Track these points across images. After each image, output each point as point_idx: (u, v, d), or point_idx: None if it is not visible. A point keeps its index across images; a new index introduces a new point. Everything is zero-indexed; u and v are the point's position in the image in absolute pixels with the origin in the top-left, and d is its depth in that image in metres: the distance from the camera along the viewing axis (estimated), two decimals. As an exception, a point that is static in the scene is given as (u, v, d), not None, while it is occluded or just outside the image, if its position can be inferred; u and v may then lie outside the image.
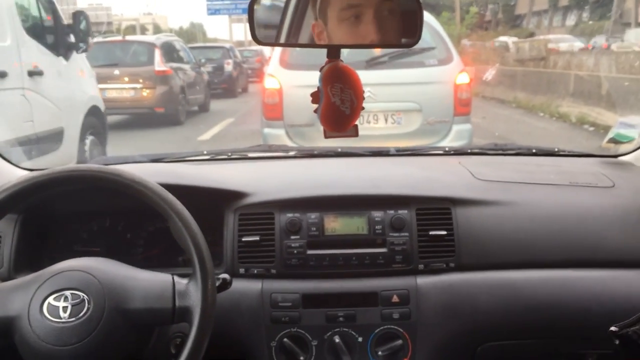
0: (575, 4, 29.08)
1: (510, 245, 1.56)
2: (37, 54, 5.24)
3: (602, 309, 1.48)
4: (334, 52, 0.97)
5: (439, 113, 5.31)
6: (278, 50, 5.60)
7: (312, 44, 1.01)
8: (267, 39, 1.01)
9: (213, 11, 26.90)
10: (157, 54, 9.53)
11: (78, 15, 5.83)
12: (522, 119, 11.67)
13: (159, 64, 9.63)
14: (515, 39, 24.56)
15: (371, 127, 5.26)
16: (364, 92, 0.98)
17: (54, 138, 5.33)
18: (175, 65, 10.63)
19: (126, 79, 9.52)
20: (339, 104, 0.97)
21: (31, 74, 5.08)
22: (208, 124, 10.44)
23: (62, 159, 5.30)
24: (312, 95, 0.99)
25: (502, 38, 25.68)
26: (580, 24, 28.45)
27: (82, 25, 5.79)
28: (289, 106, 5.37)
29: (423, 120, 5.28)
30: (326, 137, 1.03)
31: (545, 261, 1.55)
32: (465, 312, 1.50)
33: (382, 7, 0.96)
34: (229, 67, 16.15)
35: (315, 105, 1.02)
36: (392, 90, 5.29)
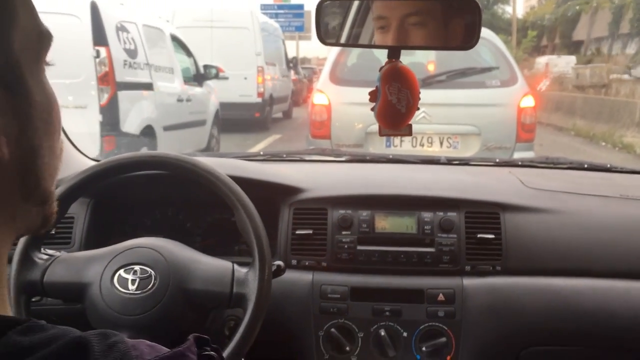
0: (636, 32, 28.07)
1: (557, 252, 1.57)
2: (283, 68, 14.82)
3: None
4: (394, 52, 1.01)
5: (500, 138, 4.92)
6: (328, 64, 5.34)
7: (372, 45, 1.05)
8: (331, 38, 1.04)
9: (266, 28, 27.15)
10: (291, 72, 16.36)
11: (295, 58, 18.64)
12: (582, 147, 11.09)
13: (293, 75, 16.75)
14: (567, 57, 23.93)
15: (424, 150, 4.91)
16: (420, 92, 1.00)
17: (286, 97, 15.17)
18: (299, 77, 19.11)
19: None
20: (395, 103, 0.99)
21: (284, 77, 14.81)
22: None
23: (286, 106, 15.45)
24: (370, 93, 1.01)
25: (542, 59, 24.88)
26: (642, 52, 27.44)
27: (293, 61, 16.62)
28: (338, 124, 5.08)
29: (482, 145, 4.89)
30: (381, 134, 1.06)
31: (591, 270, 1.55)
32: (510, 315, 1.51)
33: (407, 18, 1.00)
34: (316, 77, 25.20)
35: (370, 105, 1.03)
36: (449, 111, 4.93)
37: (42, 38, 0.56)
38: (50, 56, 0.58)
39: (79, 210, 1.60)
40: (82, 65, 5.47)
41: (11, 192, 0.53)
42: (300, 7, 27.62)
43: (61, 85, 5.07)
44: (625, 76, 17.54)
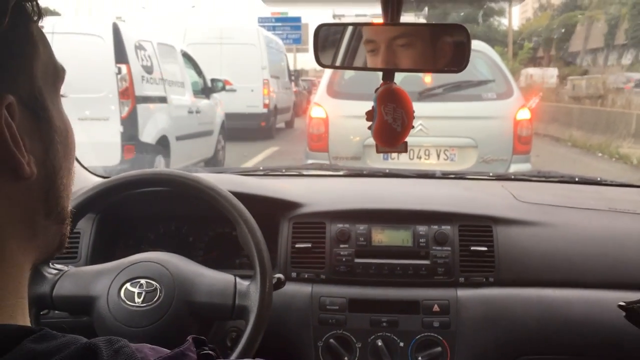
0: (632, 43, 28.22)
1: (548, 264, 1.62)
2: (286, 81, 15.86)
3: (637, 330, 1.45)
4: (388, 75, 1.05)
5: (496, 150, 4.95)
6: (326, 78, 5.38)
7: (365, 67, 1.10)
8: (328, 61, 1.09)
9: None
10: (292, 84, 17.40)
11: (296, 71, 20.30)
12: (578, 158, 11.12)
13: (293, 87, 17.61)
14: (551, 70, 24.11)
15: (422, 162, 4.93)
16: (414, 111, 1.04)
17: (289, 108, 15.86)
18: (299, 89, 20.25)
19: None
20: (391, 122, 1.03)
21: (287, 89, 15.66)
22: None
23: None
24: (367, 113, 1.05)
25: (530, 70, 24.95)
26: (637, 63, 27.61)
27: (295, 74, 17.62)
28: (335, 137, 5.11)
29: (479, 157, 4.92)
30: (378, 152, 1.10)
31: (582, 281, 1.60)
32: (503, 325, 1.55)
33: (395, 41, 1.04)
34: (315, 89, 23.98)
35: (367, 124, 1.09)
36: (445, 124, 4.97)
37: (57, 71, 0.61)
38: (70, 78, 0.63)
39: (84, 225, 1.64)
40: (105, 81, 5.94)
41: (35, 209, 0.58)
42: (298, 19, 27.73)
43: (86, 100, 5.64)
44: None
